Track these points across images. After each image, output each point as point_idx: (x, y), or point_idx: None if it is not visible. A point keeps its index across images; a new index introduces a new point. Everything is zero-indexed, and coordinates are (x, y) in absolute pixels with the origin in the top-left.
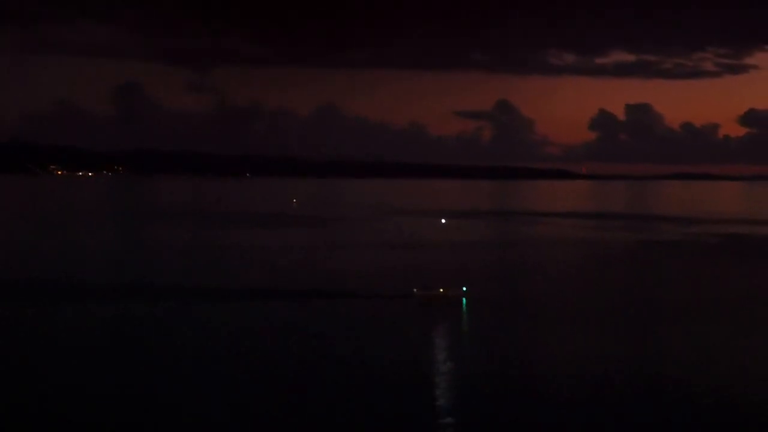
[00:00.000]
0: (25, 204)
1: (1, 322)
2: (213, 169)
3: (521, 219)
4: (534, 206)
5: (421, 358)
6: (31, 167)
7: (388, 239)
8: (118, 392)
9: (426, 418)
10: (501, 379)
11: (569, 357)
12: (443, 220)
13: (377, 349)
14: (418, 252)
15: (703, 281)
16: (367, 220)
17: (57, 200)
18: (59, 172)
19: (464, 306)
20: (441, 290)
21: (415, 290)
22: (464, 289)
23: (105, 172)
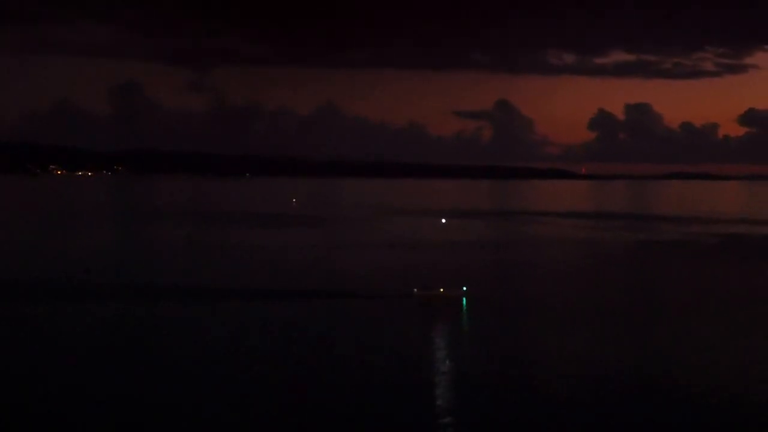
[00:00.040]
0: (25, 204)
1: (0, 322)
2: (213, 168)
3: (521, 219)
4: (534, 206)
5: (421, 358)
6: (31, 167)
7: (388, 239)
8: (118, 392)
9: (426, 418)
10: (501, 379)
11: (569, 357)
12: (443, 220)
13: (377, 349)
14: (418, 252)
15: (702, 281)
16: (366, 219)
17: (57, 200)
18: (59, 172)
19: (464, 306)
20: (441, 290)
21: (415, 290)
22: (464, 289)
23: (105, 171)
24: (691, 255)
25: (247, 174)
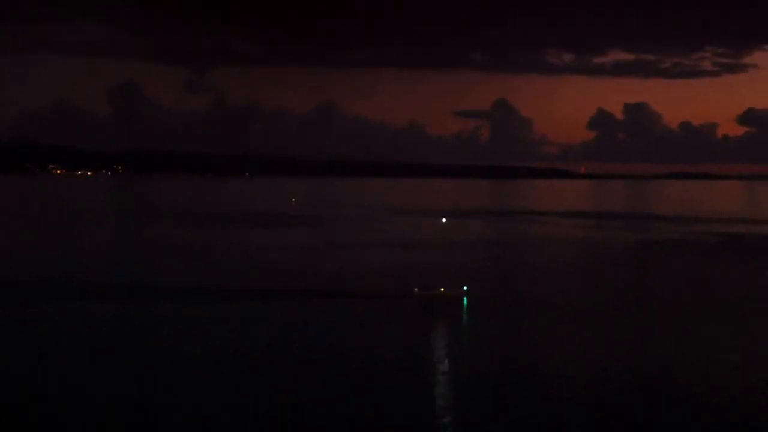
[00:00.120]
0: (25, 203)
1: (0, 322)
2: (212, 168)
3: (521, 218)
4: (533, 206)
5: (421, 358)
6: (31, 167)
7: (388, 239)
8: (118, 392)
9: (426, 418)
10: (501, 378)
11: (569, 357)
12: (443, 220)
13: (377, 349)
14: (418, 251)
15: (702, 281)
16: (366, 219)
17: (56, 200)
18: (58, 172)
19: (465, 306)
20: (441, 290)
21: (415, 290)
22: (465, 288)
23: (104, 171)
24: (690, 255)
25: (247, 174)
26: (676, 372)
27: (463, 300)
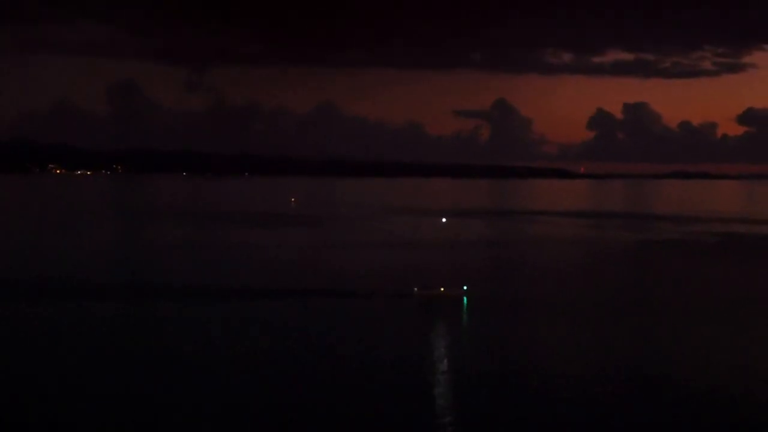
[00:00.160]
0: (25, 203)
1: (0, 322)
2: (212, 168)
3: (520, 218)
4: (533, 205)
5: (421, 358)
6: (30, 166)
7: (388, 238)
8: (118, 392)
9: (426, 418)
10: (501, 378)
11: (569, 357)
12: (444, 219)
13: (377, 348)
14: (418, 251)
15: (702, 280)
16: (366, 219)
17: (56, 200)
18: (58, 171)
19: (465, 305)
20: (441, 289)
21: (415, 289)
22: (465, 288)
23: (103, 171)
24: (690, 254)
25: (246, 173)
26: (676, 372)
27: (463, 300)
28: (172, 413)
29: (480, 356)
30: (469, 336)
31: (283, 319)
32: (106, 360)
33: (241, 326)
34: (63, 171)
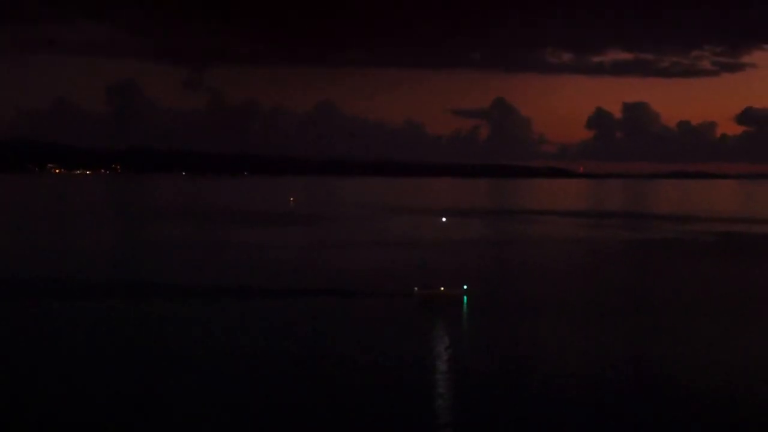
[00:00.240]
0: (24, 203)
1: (0, 322)
2: (211, 167)
3: (520, 217)
4: (532, 205)
5: (421, 357)
6: (30, 166)
7: (388, 238)
8: (117, 392)
9: (426, 418)
10: (501, 378)
11: (569, 356)
12: (444, 219)
13: (377, 348)
14: (418, 251)
15: (701, 280)
16: (365, 218)
17: (55, 199)
18: (57, 171)
19: (465, 305)
20: (442, 289)
21: (415, 289)
22: (465, 287)
23: (103, 170)
24: (689, 254)
25: (245, 173)
26: (676, 372)
27: (463, 299)
28: (172, 413)
29: (480, 356)
30: (469, 336)
31: (282, 319)
32: (106, 359)
33: (241, 326)
34: (62, 170)
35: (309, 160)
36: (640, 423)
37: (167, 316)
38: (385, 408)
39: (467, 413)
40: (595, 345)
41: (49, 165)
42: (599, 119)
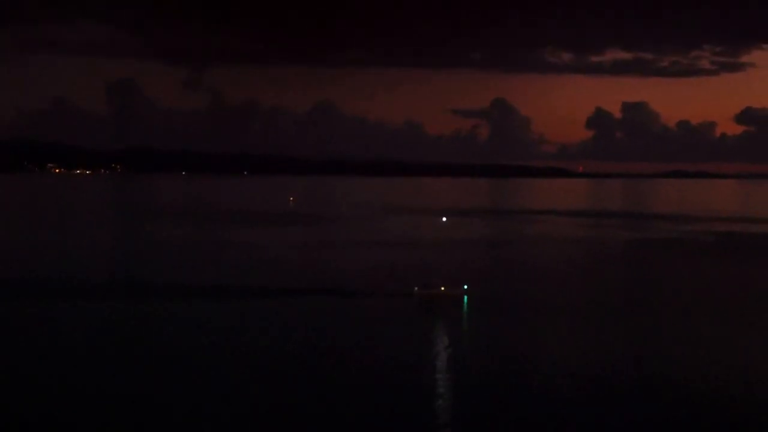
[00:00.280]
0: (24, 202)
1: (0, 322)
2: (211, 167)
3: (520, 217)
4: (532, 205)
5: (422, 357)
6: (30, 166)
7: (389, 237)
8: (117, 391)
9: (426, 418)
10: (501, 378)
11: (569, 356)
12: (444, 219)
13: (377, 347)
14: (418, 250)
15: (701, 280)
16: (366, 218)
17: (55, 199)
18: (57, 171)
19: (465, 304)
20: (442, 288)
21: (416, 288)
22: (465, 287)
23: (103, 170)
24: (689, 253)
25: (245, 172)
26: (676, 372)
27: (463, 299)
28: (172, 412)
29: (480, 356)
30: (469, 335)
31: (282, 319)
32: (106, 359)
33: (241, 325)
34: (62, 170)
35: (309, 160)
36: (640, 423)
37: (167, 316)
38: (385, 408)
39: (467, 413)
40: (595, 345)
41: (49, 165)
42: (599, 119)
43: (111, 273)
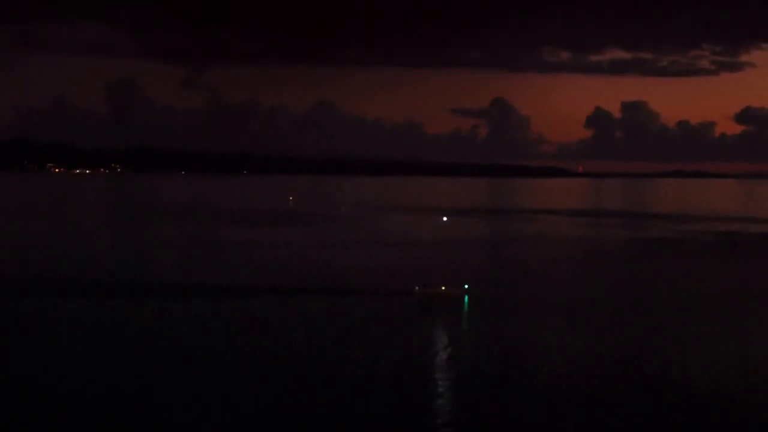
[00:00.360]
0: (23, 202)
1: (0, 322)
2: (210, 166)
3: (520, 217)
4: (531, 204)
5: (421, 357)
6: (29, 165)
7: (388, 237)
8: (117, 391)
9: (426, 418)
10: (501, 378)
11: (570, 356)
12: (444, 218)
13: (377, 348)
14: (418, 250)
15: (701, 280)
16: (365, 217)
17: (55, 198)
18: (56, 170)
19: (466, 304)
20: (442, 288)
21: (416, 288)
22: (465, 287)
23: (102, 170)
24: (688, 253)
25: (245, 172)
26: (676, 372)
27: (464, 298)
28: (172, 412)
29: (480, 356)
30: (470, 335)
31: (282, 318)
32: (106, 359)
33: (241, 325)
34: (62, 170)
35: (308, 160)
36: (640, 423)
37: (167, 316)
38: (385, 408)
39: (467, 413)
40: (595, 345)
41: (48, 164)
42: (598, 118)
43: (110, 272)
